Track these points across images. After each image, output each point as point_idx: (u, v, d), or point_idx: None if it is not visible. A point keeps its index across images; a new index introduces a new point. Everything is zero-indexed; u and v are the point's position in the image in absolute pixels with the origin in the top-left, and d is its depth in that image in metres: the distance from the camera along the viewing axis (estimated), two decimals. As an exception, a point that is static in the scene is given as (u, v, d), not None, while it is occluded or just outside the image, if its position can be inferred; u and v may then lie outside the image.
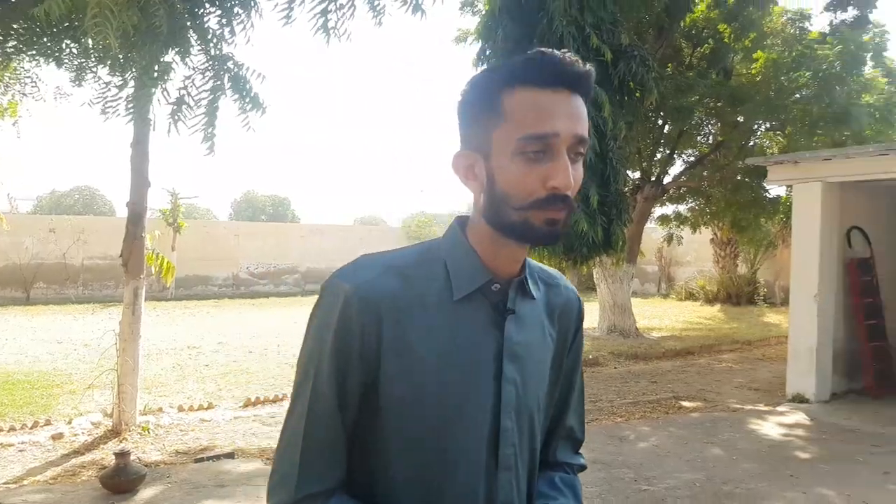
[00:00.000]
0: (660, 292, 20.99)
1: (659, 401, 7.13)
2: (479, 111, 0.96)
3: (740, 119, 11.10)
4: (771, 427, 6.16)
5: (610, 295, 11.46)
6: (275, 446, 1.03)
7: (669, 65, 10.41)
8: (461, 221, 1.04)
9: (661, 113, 10.56)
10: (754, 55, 10.53)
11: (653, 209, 12.89)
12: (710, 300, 17.93)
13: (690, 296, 18.88)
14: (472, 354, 0.98)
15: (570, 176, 0.91)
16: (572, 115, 0.92)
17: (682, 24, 10.22)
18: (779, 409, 6.78)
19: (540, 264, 1.14)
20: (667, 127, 11.32)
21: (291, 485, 0.93)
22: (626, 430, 6.00)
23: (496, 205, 0.95)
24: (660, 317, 14.66)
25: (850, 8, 7.72)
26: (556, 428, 1.17)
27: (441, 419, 0.96)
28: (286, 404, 1.21)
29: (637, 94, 8.16)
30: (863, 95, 10.18)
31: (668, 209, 14.72)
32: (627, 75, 7.75)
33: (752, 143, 11.84)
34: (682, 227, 14.84)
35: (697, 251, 19.76)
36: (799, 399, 6.91)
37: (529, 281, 1.04)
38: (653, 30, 10.18)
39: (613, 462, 5.05)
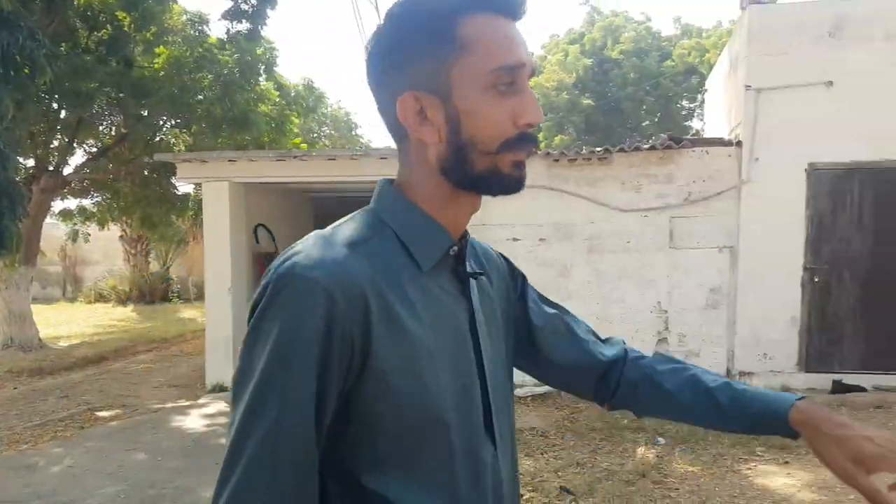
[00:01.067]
0: (66, 296, 18.98)
1: (72, 416, 6.41)
2: (427, 43, 0.80)
3: (145, 113, 10.91)
4: (194, 420, 6.29)
5: (4, 303, 9.68)
6: None
7: (64, 44, 9.38)
8: (394, 183, 0.88)
9: (57, 96, 9.45)
10: (157, 49, 10.49)
11: (52, 202, 11.50)
12: (123, 300, 17.22)
13: (101, 297, 17.72)
14: (456, 331, 0.85)
15: (539, 108, 0.81)
16: (526, 45, 0.82)
17: (75, 2, 9.33)
18: (200, 401, 6.98)
19: None
20: (63, 112, 10.21)
21: None
22: (35, 457, 5.19)
23: (460, 152, 0.81)
24: (67, 323, 13.25)
25: (244, 20, 8.47)
26: (584, 345, 1.07)
27: (442, 411, 0.80)
28: None
29: (26, 71, 7.05)
30: (259, 104, 11.38)
31: (72, 203, 13.40)
32: (13, 46, 6.60)
33: (158, 139, 11.78)
34: (87, 222, 13.73)
35: (106, 249, 18.68)
36: (220, 388, 7.27)
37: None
38: (41, 1, 8.96)
39: (22, 497, 4.30)
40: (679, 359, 1.09)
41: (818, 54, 6.46)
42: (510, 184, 0.84)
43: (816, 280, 6.49)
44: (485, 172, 0.82)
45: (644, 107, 22.58)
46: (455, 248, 0.87)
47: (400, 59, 0.82)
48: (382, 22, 0.83)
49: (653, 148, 6.78)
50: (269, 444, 0.71)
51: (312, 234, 0.81)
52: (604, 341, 1.11)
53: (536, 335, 1.05)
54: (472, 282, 0.90)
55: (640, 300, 6.80)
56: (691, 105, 22.88)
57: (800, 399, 0.93)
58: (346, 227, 0.83)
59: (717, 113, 8.60)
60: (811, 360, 6.57)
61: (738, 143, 6.67)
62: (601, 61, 22.88)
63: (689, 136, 8.05)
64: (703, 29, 23.63)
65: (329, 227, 0.84)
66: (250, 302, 0.78)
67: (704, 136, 9.61)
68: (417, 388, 0.78)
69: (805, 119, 6.46)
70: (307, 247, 0.78)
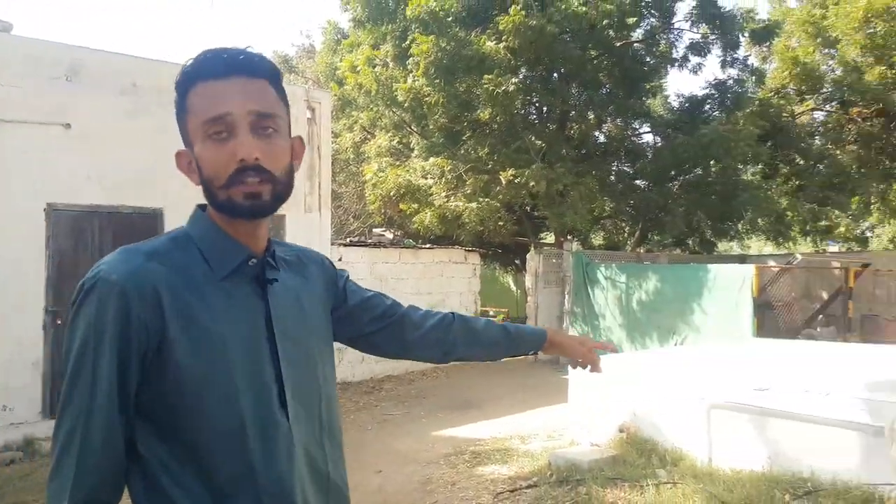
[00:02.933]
0: None
1: None
2: (178, 111, 1.09)
3: None
4: None
5: None
6: None
7: None
8: (203, 207, 1.12)
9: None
10: None
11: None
12: None
13: None
14: (252, 325, 1.08)
15: (253, 146, 1.03)
16: (246, 94, 1.05)
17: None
18: None
19: (292, 243, 1.30)
20: None
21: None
22: None
23: (208, 189, 1.06)
24: None
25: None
26: (393, 318, 1.41)
27: (235, 388, 1.03)
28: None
29: None
30: None
31: None
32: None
33: None
34: None
35: None
36: None
37: (280, 253, 1.18)
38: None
39: None
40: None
41: (55, 94, 6.42)
42: (243, 211, 1.05)
43: (59, 322, 6.45)
44: (225, 202, 1.05)
45: None
46: (254, 259, 1.10)
47: (178, 123, 1.10)
48: None
49: None
50: (85, 406, 0.98)
51: (120, 248, 1.05)
52: (426, 313, 1.48)
53: (354, 312, 1.35)
54: (276, 285, 1.12)
55: None
56: None
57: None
58: (152, 242, 1.08)
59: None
60: (56, 405, 6.43)
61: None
62: None
63: None
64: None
65: (139, 243, 1.07)
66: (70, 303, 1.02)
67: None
68: (207, 364, 1.01)
69: (44, 158, 6.31)
70: (112, 258, 1.03)
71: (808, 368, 5.06)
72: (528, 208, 12.67)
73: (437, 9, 10.82)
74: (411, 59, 10.73)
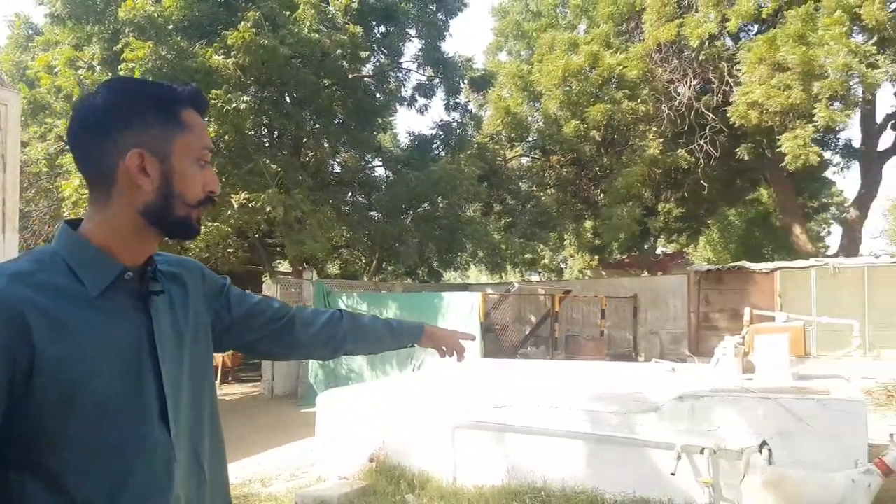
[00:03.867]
0: None
1: None
2: (156, 118, 1.09)
3: None
4: None
5: None
6: None
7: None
8: (72, 224, 1.10)
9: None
10: None
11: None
12: None
13: None
14: (132, 339, 1.06)
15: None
16: None
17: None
18: None
19: (171, 255, 1.28)
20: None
21: None
22: None
23: (167, 200, 1.09)
24: None
25: None
26: (283, 321, 1.42)
27: (107, 407, 1.01)
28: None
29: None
30: None
31: None
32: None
33: None
34: None
35: None
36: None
37: (161, 266, 1.18)
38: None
39: None
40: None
41: None
42: (192, 232, 1.17)
43: None
44: (182, 219, 1.13)
45: None
46: (130, 273, 1.09)
47: (130, 124, 1.08)
48: (104, 90, 1.09)
49: None
50: None
51: None
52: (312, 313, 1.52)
53: (240, 321, 1.36)
54: (158, 299, 1.12)
55: None
56: None
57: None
58: (15, 263, 1.04)
59: None
60: None
61: None
62: None
63: None
64: None
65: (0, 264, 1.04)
66: None
67: None
68: (81, 380, 0.99)
69: None
70: None
71: (535, 385, 5.43)
72: (260, 235, 12.05)
73: (156, 14, 9.84)
74: (124, 64, 9.53)
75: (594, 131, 15.46)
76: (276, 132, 12.73)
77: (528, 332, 12.74)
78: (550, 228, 16.91)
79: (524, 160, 18.69)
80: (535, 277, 22.92)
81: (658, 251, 25.48)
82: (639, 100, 15.07)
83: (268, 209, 9.56)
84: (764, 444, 3.29)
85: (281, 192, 9.98)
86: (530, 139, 17.41)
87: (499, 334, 11.65)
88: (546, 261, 21.88)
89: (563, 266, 25.89)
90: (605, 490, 4.30)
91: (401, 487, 4.72)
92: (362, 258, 16.19)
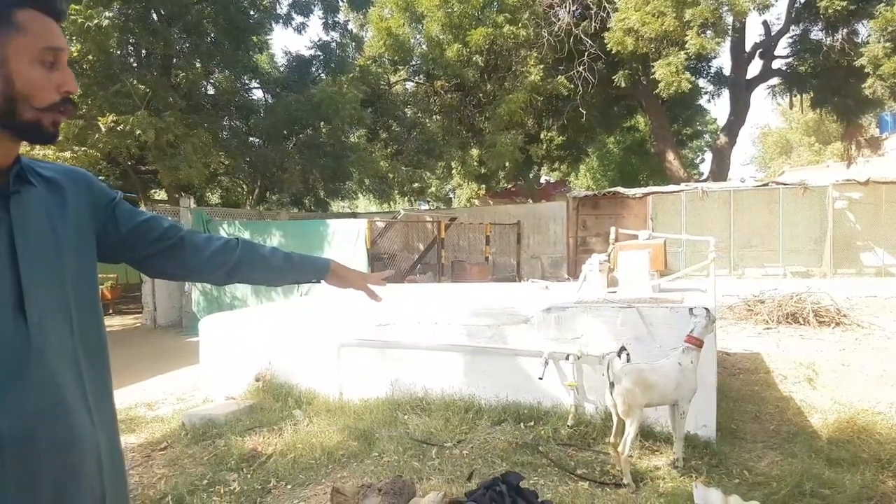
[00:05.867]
0: None
1: None
2: None
3: None
4: None
5: None
6: None
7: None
8: None
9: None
10: None
11: None
12: None
13: None
14: None
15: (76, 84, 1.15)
16: (64, 39, 1.16)
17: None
18: None
19: (50, 162, 1.28)
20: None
21: None
22: None
23: (11, 104, 1.08)
24: None
25: None
26: (171, 240, 1.43)
27: None
28: None
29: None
30: None
31: None
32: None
33: None
34: None
35: None
36: None
37: (40, 170, 1.21)
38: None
39: None
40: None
41: None
42: (46, 136, 1.14)
43: None
44: (30, 122, 1.11)
45: None
46: None
47: None
48: None
49: None
50: None
51: None
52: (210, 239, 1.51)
53: (128, 237, 1.37)
54: (21, 198, 1.13)
55: None
56: None
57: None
58: None
59: None
60: None
61: None
62: None
63: None
64: None
65: None
66: None
67: None
68: None
69: None
70: None
71: (418, 306, 5.63)
72: (133, 161, 11.32)
73: None
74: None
75: (476, 56, 15.48)
76: (143, 51, 11.79)
77: (415, 259, 13.01)
78: (437, 157, 17.00)
79: (409, 85, 18.48)
80: (424, 207, 23.13)
81: (542, 180, 26.41)
82: (520, 24, 15.17)
83: (137, 132, 8.98)
84: (623, 349, 3.64)
85: (151, 115, 9.37)
86: (414, 63, 17.18)
87: (387, 262, 11.81)
88: (434, 190, 22.09)
89: (451, 195, 26.24)
90: (481, 396, 4.62)
91: (288, 404, 4.85)
92: (244, 186, 15.64)
